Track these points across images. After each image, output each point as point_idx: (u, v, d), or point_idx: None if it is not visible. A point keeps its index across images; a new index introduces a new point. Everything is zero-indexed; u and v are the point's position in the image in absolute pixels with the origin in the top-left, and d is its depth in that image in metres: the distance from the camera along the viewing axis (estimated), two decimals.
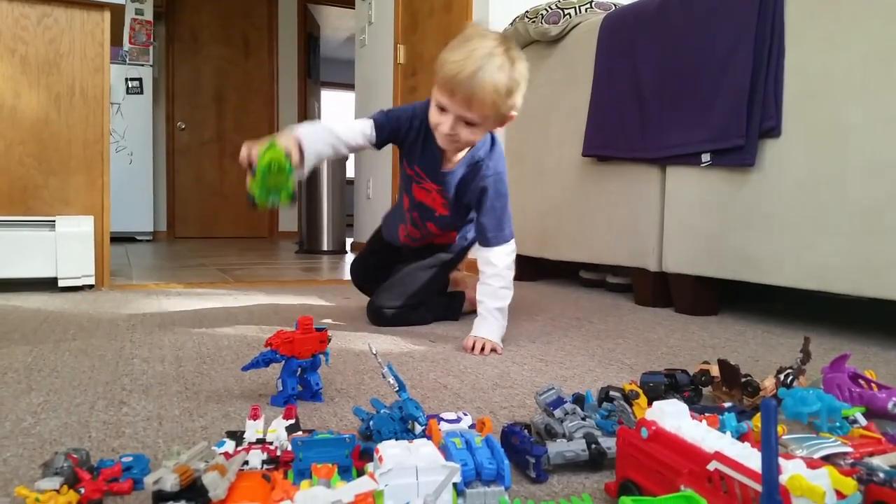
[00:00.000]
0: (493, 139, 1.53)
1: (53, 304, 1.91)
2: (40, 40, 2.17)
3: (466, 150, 1.48)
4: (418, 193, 1.60)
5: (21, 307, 1.85)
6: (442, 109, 1.34)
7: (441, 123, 1.35)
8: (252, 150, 1.26)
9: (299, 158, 1.31)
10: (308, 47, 6.54)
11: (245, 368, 0.98)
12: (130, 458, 0.71)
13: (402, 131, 1.49)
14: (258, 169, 1.24)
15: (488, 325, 1.42)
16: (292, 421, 0.82)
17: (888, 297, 1.46)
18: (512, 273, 1.49)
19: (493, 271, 1.47)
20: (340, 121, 1.50)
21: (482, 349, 1.37)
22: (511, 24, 2.73)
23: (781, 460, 0.52)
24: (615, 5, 2.43)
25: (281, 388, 0.97)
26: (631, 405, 0.84)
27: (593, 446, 0.74)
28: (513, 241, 1.51)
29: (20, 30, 2.15)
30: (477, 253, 1.54)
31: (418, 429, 0.78)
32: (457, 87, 1.27)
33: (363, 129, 1.47)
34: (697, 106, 1.86)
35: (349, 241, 4.79)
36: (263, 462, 0.71)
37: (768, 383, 0.96)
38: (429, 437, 0.74)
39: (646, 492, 0.62)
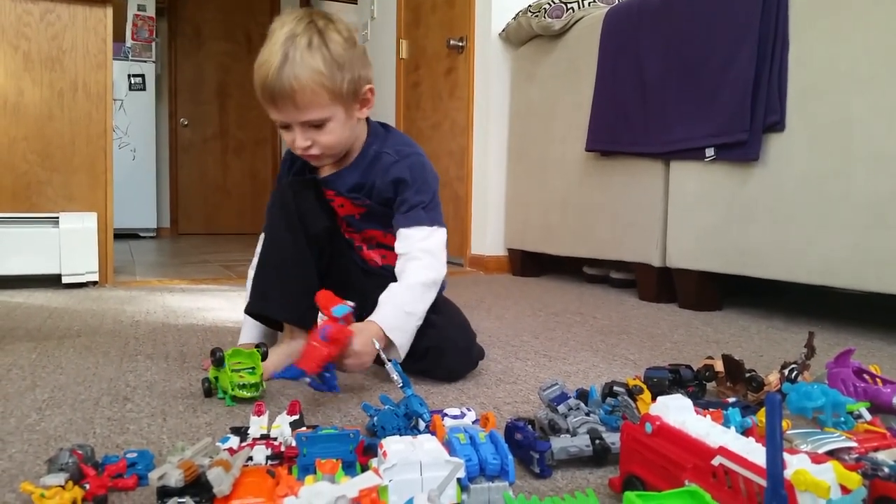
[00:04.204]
0: (384, 127, 1.24)
1: (57, 301, 1.91)
2: (43, 36, 2.17)
3: (355, 155, 1.18)
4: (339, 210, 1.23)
5: (25, 304, 1.86)
6: (284, 127, 1.10)
7: (293, 142, 1.09)
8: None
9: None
10: None
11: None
12: (135, 454, 0.71)
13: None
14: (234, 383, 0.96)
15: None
16: (296, 417, 0.82)
17: (893, 292, 1.46)
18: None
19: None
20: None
21: None
22: (514, 18, 2.73)
23: (786, 455, 0.52)
24: None
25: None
26: (635, 400, 0.84)
27: (597, 442, 0.74)
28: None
29: (23, 26, 2.15)
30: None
31: (422, 424, 0.78)
32: (272, 92, 1.03)
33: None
34: (701, 100, 1.85)
35: None
36: (267, 458, 0.71)
37: (773, 378, 0.96)
38: (433, 433, 0.74)
39: (650, 487, 0.62)
